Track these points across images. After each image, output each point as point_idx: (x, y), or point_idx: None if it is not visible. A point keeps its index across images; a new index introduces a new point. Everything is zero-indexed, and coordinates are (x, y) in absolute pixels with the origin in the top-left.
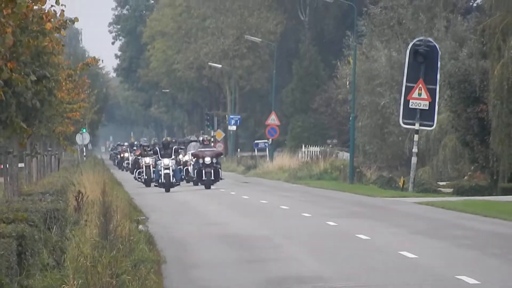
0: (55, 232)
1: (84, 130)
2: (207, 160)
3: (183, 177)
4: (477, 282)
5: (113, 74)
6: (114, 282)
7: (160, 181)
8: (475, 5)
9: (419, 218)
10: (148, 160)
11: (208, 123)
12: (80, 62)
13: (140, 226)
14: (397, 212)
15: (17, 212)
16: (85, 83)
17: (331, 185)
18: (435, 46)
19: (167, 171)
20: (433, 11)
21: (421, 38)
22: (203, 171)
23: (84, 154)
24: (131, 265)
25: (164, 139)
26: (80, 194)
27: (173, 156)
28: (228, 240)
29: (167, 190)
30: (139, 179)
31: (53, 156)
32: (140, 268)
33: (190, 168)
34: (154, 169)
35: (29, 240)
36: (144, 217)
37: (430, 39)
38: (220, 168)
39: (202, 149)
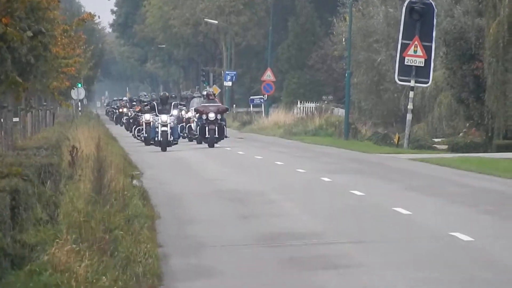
0: (49, 186)
1: (80, 85)
2: (211, 116)
3: (185, 134)
4: (470, 238)
5: (109, 30)
6: (107, 237)
7: (156, 139)
8: None
9: (414, 174)
10: (148, 116)
11: (204, 79)
12: (76, 17)
13: (135, 181)
14: (392, 169)
15: (11, 167)
16: (80, 38)
17: (326, 141)
18: (431, 3)
19: (164, 128)
20: None
21: None
22: (207, 128)
23: (80, 109)
24: (125, 220)
25: (162, 93)
26: (75, 149)
27: (172, 112)
28: (223, 196)
29: (164, 149)
30: (139, 137)
31: (48, 111)
32: (133, 223)
33: (193, 125)
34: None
35: (22, 195)
36: (138, 173)
37: None
38: (226, 125)
39: (206, 104)
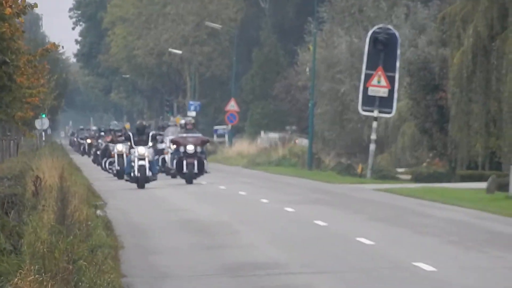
0: (12, 217)
1: (44, 115)
2: (190, 148)
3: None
4: (434, 269)
5: (73, 60)
6: (71, 267)
7: (132, 174)
8: None
9: (377, 204)
10: (121, 147)
11: (168, 109)
12: (40, 47)
13: (98, 211)
14: (355, 199)
15: None
16: (45, 68)
17: (289, 172)
18: (394, 33)
19: (142, 162)
20: (396, 1)
21: (381, 25)
22: (184, 161)
23: (43, 139)
24: (88, 251)
25: (138, 122)
26: (38, 179)
27: (150, 144)
28: (187, 226)
29: (141, 186)
30: (110, 170)
31: (11, 141)
32: (97, 253)
33: (168, 157)
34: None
35: None
36: (102, 203)
37: (390, 27)
38: (206, 159)
39: (184, 135)
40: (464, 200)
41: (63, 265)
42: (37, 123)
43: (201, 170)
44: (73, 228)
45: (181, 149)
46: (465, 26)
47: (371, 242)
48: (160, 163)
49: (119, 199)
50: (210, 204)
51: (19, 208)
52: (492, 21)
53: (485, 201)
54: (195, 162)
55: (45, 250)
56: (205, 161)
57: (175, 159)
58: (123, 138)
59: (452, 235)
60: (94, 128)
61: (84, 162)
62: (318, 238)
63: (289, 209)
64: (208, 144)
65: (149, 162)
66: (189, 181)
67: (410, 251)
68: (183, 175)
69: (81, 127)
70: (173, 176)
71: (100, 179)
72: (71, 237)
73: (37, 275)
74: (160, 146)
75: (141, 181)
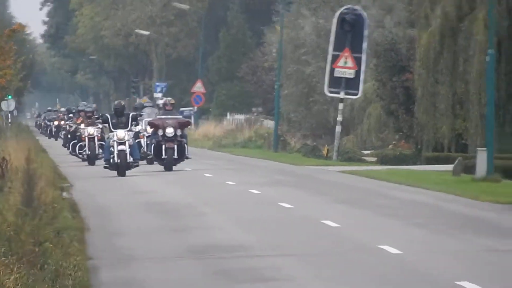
0: None
1: (10, 97)
2: (170, 131)
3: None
4: (399, 252)
5: (40, 41)
6: (37, 249)
7: (112, 160)
8: None
9: (343, 187)
10: (92, 130)
11: (134, 91)
12: (7, 28)
13: (64, 194)
14: (321, 181)
15: None
16: (11, 49)
17: (255, 153)
18: (362, 14)
19: (122, 147)
20: None
21: (348, 6)
22: (163, 146)
23: (9, 120)
24: (54, 233)
25: (116, 102)
26: (4, 161)
27: (130, 127)
28: (152, 208)
29: (122, 174)
30: (80, 155)
31: None
32: (63, 235)
33: (143, 141)
34: (100, 142)
35: None
36: (68, 185)
37: (357, 7)
38: (187, 143)
39: (163, 117)
40: (430, 182)
41: (29, 248)
42: (3, 105)
43: (182, 156)
44: (39, 210)
45: (160, 132)
46: (433, 7)
47: (336, 225)
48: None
49: (85, 182)
50: (175, 186)
51: None
52: (460, 2)
53: (451, 183)
54: (175, 147)
55: (11, 232)
56: (186, 146)
57: (153, 144)
58: (99, 120)
59: (418, 218)
60: (62, 109)
61: (51, 145)
62: (284, 220)
63: (255, 191)
64: (189, 126)
65: (130, 146)
66: (168, 168)
67: (376, 233)
68: (161, 161)
69: (49, 108)
70: (149, 162)
71: (67, 162)
72: (37, 220)
73: (3, 258)
74: (135, 128)
75: (121, 168)
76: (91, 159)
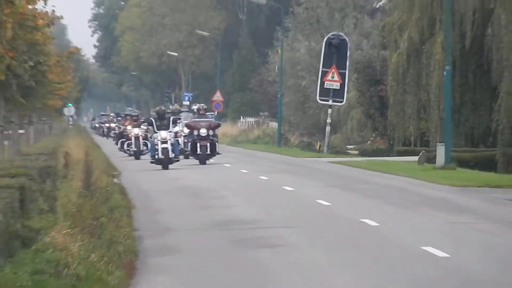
0: (48, 184)
1: (70, 105)
2: (203, 132)
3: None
4: (377, 224)
5: (92, 60)
6: (95, 223)
7: (156, 156)
8: (378, 6)
9: (332, 174)
10: (137, 131)
11: (167, 99)
12: (66, 50)
13: (115, 180)
14: (315, 169)
15: (18, 169)
16: (70, 67)
17: (263, 148)
18: (345, 39)
19: (165, 145)
20: (345, 11)
21: (334, 33)
22: (198, 144)
23: (70, 123)
24: (108, 210)
25: (158, 108)
26: (68, 154)
27: (170, 128)
28: (185, 192)
29: (165, 167)
30: (128, 151)
31: (46, 125)
32: (114, 212)
33: (181, 140)
34: (144, 141)
35: (28, 190)
36: (118, 173)
37: (342, 34)
38: (217, 141)
39: (197, 120)
40: (400, 170)
41: (89, 222)
42: (65, 111)
43: (213, 152)
44: (96, 193)
45: (195, 132)
46: (401, 33)
47: (328, 203)
48: None
49: (131, 171)
50: (200, 174)
51: (53, 177)
52: (422, 29)
53: (416, 171)
54: (208, 144)
55: (74, 210)
56: (216, 144)
57: (190, 142)
58: (145, 123)
59: (391, 198)
60: (112, 114)
61: (103, 143)
62: (286, 200)
63: (264, 177)
64: (219, 127)
65: (171, 145)
66: (202, 161)
67: (358, 210)
68: (197, 156)
69: (102, 113)
70: (186, 157)
71: (117, 156)
72: (94, 200)
73: (69, 229)
74: (174, 129)
75: (165, 163)
76: (136, 155)
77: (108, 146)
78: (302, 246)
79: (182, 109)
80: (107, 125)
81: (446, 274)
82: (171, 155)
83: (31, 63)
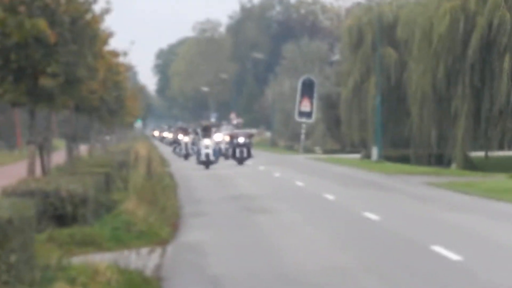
0: (124, 171)
1: (139, 121)
2: (241, 140)
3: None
4: (333, 198)
5: (153, 93)
6: (153, 196)
7: (201, 159)
8: (334, 59)
9: (305, 165)
10: (187, 139)
11: (201, 118)
12: (137, 87)
13: (166, 169)
14: (295, 162)
15: (105, 161)
16: (139, 97)
17: (261, 148)
18: (314, 80)
19: (207, 150)
20: (314, 62)
21: (307, 76)
22: (237, 149)
23: (139, 133)
24: (162, 188)
25: (204, 122)
26: (136, 153)
27: (213, 137)
28: (212, 177)
29: (207, 167)
30: (178, 153)
31: (123, 133)
32: (166, 189)
33: (222, 146)
34: (193, 146)
35: (111, 175)
36: (168, 165)
37: (311, 77)
38: (251, 147)
39: (237, 131)
40: (348, 163)
41: (150, 196)
42: (136, 124)
43: (249, 155)
44: (154, 176)
45: (235, 140)
46: (349, 76)
47: (302, 184)
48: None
49: (176, 164)
50: (223, 168)
51: (127, 167)
52: (362, 74)
53: (359, 163)
54: (244, 150)
55: (140, 188)
56: (251, 149)
57: (230, 148)
58: (194, 133)
59: (342, 180)
60: (165, 126)
61: (159, 146)
62: (275, 182)
63: (261, 167)
64: (253, 136)
65: (213, 150)
66: (240, 162)
67: (322, 188)
68: (236, 159)
69: (162, 126)
70: (226, 158)
71: (169, 156)
72: (153, 181)
73: (136, 201)
74: (217, 138)
75: (207, 164)
76: (186, 156)
77: (162, 147)
78: (285, 211)
79: (223, 123)
80: (162, 134)
81: (378, 230)
82: (212, 158)
83: (115, 94)
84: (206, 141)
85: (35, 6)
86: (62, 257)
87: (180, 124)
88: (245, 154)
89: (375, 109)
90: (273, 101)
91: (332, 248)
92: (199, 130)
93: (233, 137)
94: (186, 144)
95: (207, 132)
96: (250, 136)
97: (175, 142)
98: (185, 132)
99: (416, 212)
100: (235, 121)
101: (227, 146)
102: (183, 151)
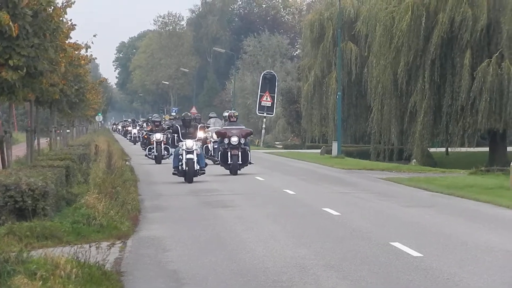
0: (84, 164)
1: (100, 114)
2: (234, 140)
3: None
4: (294, 193)
5: (114, 86)
6: (113, 190)
7: (180, 168)
8: (295, 54)
9: (265, 160)
10: (159, 136)
11: (162, 111)
12: (98, 80)
13: (127, 163)
14: (255, 157)
15: (65, 154)
16: (100, 90)
17: None
18: (275, 74)
19: (190, 155)
20: (275, 57)
21: (268, 70)
22: (229, 153)
23: (99, 126)
24: (122, 182)
25: (184, 113)
26: (97, 146)
27: (198, 136)
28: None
29: (189, 180)
30: (150, 156)
31: (84, 127)
32: (126, 183)
33: (210, 146)
34: (165, 146)
35: (71, 169)
36: (128, 158)
37: (272, 71)
38: (249, 150)
39: (228, 127)
40: (309, 158)
41: (110, 189)
42: (97, 118)
43: (245, 161)
44: (114, 170)
45: (226, 140)
46: (310, 71)
47: (262, 179)
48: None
49: (138, 159)
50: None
51: (87, 160)
52: (323, 69)
53: (319, 158)
54: (239, 154)
55: (100, 181)
56: (249, 152)
57: (220, 151)
58: (170, 130)
59: (303, 176)
60: (129, 120)
61: (120, 139)
62: (236, 177)
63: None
64: (251, 135)
65: (197, 155)
66: (233, 172)
67: (282, 183)
68: (228, 166)
69: (122, 120)
70: (215, 163)
71: (131, 149)
72: (113, 175)
73: (96, 194)
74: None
75: (189, 175)
76: (157, 159)
77: (123, 141)
78: (245, 206)
79: (210, 115)
80: (125, 128)
81: (338, 225)
82: (196, 167)
83: (76, 87)
84: (189, 143)
85: None
86: (22, 250)
87: (153, 117)
88: (239, 160)
89: (336, 104)
90: (234, 96)
91: (292, 244)
92: (178, 126)
93: (223, 136)
94: (158, 143)
95: (189, 128)
96: (247, 134)
97: (147, 143)
98: (157, 127)
99: (376, 208)
100: (226, 113)
101: (215, 146)
102: (154, 153)
